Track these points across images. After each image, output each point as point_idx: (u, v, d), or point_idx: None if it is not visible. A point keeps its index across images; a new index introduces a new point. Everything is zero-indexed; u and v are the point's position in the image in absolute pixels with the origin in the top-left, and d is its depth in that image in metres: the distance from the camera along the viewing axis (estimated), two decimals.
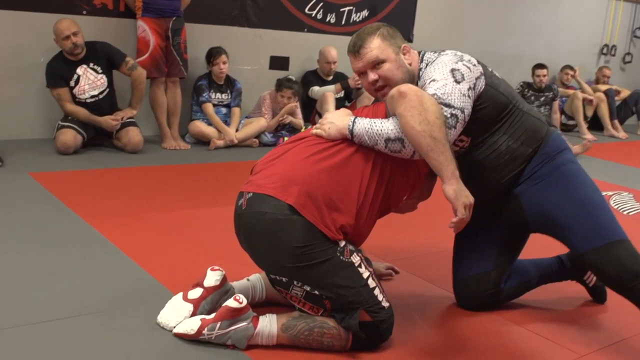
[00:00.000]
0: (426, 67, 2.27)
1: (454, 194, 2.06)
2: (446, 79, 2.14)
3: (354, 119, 2.15)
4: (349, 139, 2.16)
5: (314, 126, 2.27)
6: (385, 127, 2.10)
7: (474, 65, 2.24)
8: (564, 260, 2.66)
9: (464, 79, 2.15)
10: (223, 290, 2.29)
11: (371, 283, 2.11)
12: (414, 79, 2.28)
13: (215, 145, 5.20)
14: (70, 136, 4.54)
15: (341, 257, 2.07)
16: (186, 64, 5.22)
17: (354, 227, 2.12)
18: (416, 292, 2.74)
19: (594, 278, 2.71)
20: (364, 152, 2.15)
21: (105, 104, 4.79)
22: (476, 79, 2.21)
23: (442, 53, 2.30)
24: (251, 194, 2.12)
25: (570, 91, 7.89)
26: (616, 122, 8.23)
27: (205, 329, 2.10)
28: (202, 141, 5.35)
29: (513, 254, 2.54)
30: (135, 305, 2.37)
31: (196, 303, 2.24)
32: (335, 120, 2.18)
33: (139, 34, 4.99)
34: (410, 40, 6.93)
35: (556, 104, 7.41)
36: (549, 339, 2.40)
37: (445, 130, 2.05)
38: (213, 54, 5.40)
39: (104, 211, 3.39)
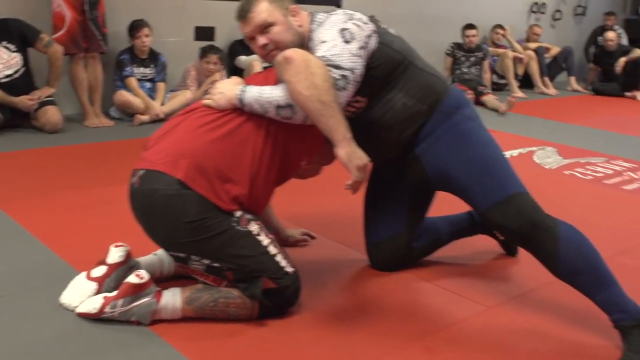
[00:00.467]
0: (317, 28, 2.24)
1: (346, 156, 2.05)
2: (335, 40, 2.12)
3: (243, 88, 2.12)
4: (239, 109, 2.13)
5: (205, 97, 2.24)
6: (274, 94, 2.08)
7: (365, 23, 2.21)
8: (474, 215, 2.70)
9: (354, 39, 2.13)
10: (128, 266, 2.25)
11: (272, 250, 2.10)
12: (305, 40, 2.25)
13: (139, 120, 5.09)
14: None
15: (237, 227, 2.05)
16: (105, 38, 5.08)
17: (249, 196, 2.10)
18: (331, 256, 2.75)
19: None
20: (255, 121, 2.12)
21: (21, 83, 4.63)
22: (367, 37, 2.18)
23: (332, 13, 2.26)
24: (143, 171, 2.09)
25: (501, 50, 7.97)
26: (546, 79, 8.37)
27: (108, 307, 2.07)
28: (127, 115, 5.24)
29: (421, 213, 2.56)
30: (39, 288, 2.32)
31: (100, 281, 2.20)
32: (225, 89, 2.15)
33: (54, 9, 4.82)
34: (339, 6, 6.88)
35: (486, 63, 7.48)
36: (458, 293, 2.44)
37: (334, 93, 2.03)
38: (135, 27, 5.27)
39: (15, 194, 3.29)
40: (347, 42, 2.12)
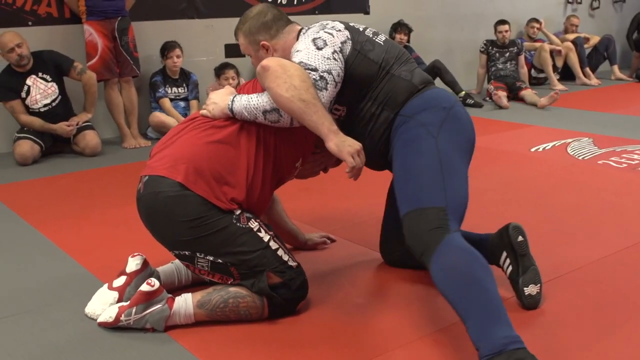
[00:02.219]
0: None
1: (336, 147, 2.10)
2: (308, 48, 2.19)
3: (233, 98, 2.23)
4: (232, 117, 2.23)
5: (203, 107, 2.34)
6: (260, 100, 2.17)
7: (339, 31, 2.27)
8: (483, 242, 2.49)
9: (326, 45, 2.20)
10: (145, 274, 2.35)
11: (273, 245, 2.19)
12: None
13: None
14: (27, 147, 4.61)
15: (238, 224, 2.15)
16: (137, 62, 5.26)
17: (247, 200, 2.20)
18: (349, 257, 2.79)
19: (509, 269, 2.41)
20: (247, 128, 2.23)
21: (60, 111, 4.85)
22: (342, 43, 2.24)
23: (312, 26, 2.35)
24: (147, 177, 2.21)
25: (537, 44, 7.86)
26: (587, 69, 8.21)
27: (123, 315, 2.17)
28: (163, 135, 5.40)
29: None
30: (67, 300, 2.44)
31: (121, 290, 2.31)
32: (218, 100, 2.27)
33: (87, 38, 5.03)
34: (367, 13, 6.93)
35: (522, 58, 7.38)
36: None
37: (313, 91, 2.09)
38: (167, 48, 5.44)
39: (52, 215, 3.45)
40: (319, 48, 2.19)
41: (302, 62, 2.16)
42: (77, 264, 2.77)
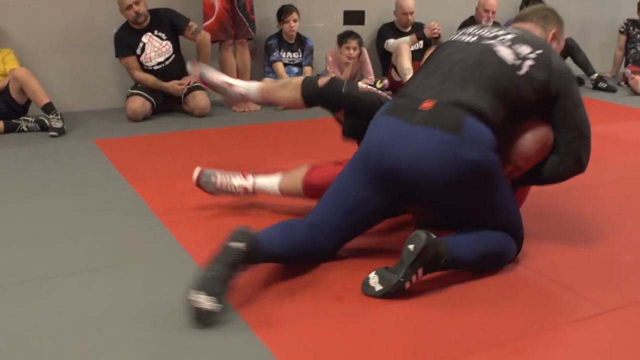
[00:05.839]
0: None
1: None
2: None
3: None
4: None
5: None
6: None
7: None
8: None
9: None
10: None
11: None
12: None
13: None
14: (138, 103, 4.69)
15: None
16: (253, 25, 5.20)
17: None
18: None
19: None
20: None
21: (173, 69, 4.88)
22: None
23: None
24: None
25: None
26: None
27: None
28: None
29: None
30: (149, 261, 2.43)
31: None
32: None
33: None
34: None
35: None
36: (573, 291, 2.19)
37: None
38: (284, 12, 5.35)
39: (151, 174, 3.45)
40: None
41: None
42: (164, 227, 2.73)
